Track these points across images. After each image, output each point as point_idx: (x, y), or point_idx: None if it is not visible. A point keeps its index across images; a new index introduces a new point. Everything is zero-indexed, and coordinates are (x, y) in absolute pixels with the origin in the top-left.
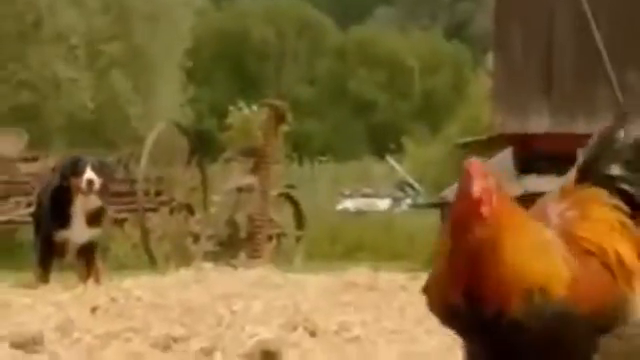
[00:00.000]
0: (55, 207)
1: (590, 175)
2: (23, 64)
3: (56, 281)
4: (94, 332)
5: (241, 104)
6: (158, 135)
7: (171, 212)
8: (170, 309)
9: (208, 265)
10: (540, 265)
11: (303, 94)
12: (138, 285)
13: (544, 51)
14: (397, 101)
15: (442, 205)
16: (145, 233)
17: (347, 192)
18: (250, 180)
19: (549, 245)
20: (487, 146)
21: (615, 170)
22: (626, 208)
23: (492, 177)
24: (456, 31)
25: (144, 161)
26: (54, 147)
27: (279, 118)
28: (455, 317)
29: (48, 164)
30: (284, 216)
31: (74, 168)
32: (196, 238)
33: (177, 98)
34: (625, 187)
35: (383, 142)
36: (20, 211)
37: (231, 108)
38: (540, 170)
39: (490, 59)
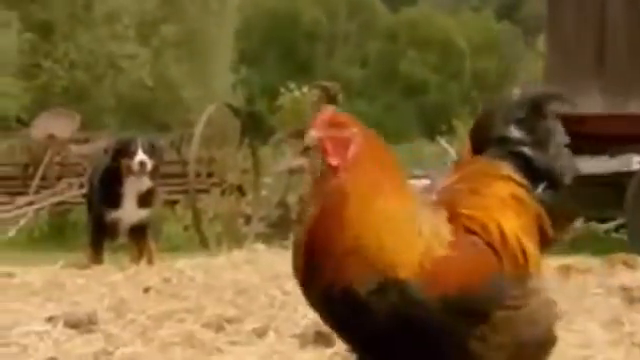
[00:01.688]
0: (106, 188)
1: (483, 141)
2: (75, 44)
3: (109, 262)
4: (148, 312)
5: (292, 86)
6: (210, 116)
7: (222, 193)
8: (223, 290)
9: (260, 246)
10: (392, 238)
11: (354, 76)
12: (191, 266)
13: (597, 32)
14: (448, 82)
15: None
16: (197, 214)
17: None
18: (301, 162)
19: (414, 218)
20: None
21: (512, 132)
22: (523, 180)
23: (357, 129)
24: (507, 12)
25: (196, 142)
26: (106, 129)
27: (330, 99)
28: (301, 285)
29: (100, 146)
30: None
31: (126, 149)
32: (247, 220)
33: (229, 79)
34: (522, 150)
35: (434, 123)
36: (72, 192)
37: (282, 90)
38: (592, 152)
39: (542, 40)
